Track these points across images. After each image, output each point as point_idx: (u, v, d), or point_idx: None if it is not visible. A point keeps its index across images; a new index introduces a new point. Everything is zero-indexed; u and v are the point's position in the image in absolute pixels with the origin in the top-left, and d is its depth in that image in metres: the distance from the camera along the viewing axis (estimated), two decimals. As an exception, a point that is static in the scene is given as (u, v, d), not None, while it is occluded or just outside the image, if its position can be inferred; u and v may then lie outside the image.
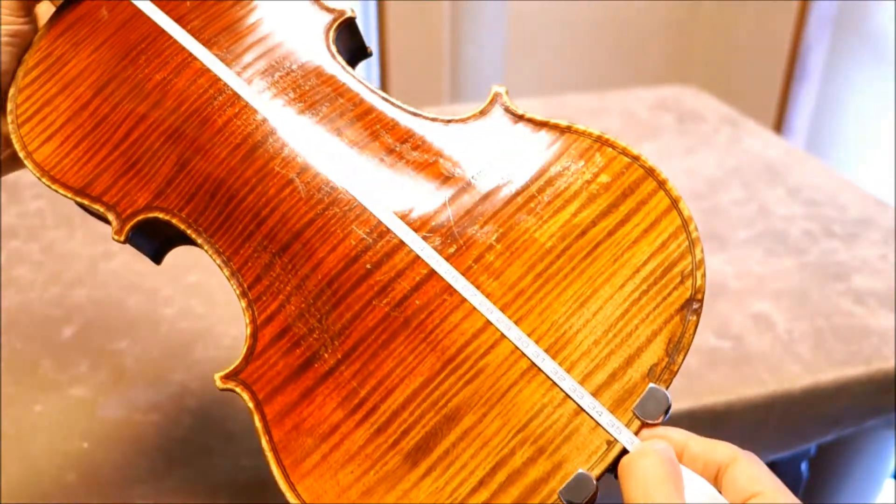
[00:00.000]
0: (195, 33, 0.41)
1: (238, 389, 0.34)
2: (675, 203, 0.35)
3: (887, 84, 1.64)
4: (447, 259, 0.35)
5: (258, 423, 0.34)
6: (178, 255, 0.44)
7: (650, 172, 0.35)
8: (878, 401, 0.66)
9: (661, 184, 0.35)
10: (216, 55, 0.40)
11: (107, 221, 0.39)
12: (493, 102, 0.39)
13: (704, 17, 2.06)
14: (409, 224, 0.36)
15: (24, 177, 0.93)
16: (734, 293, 0.73)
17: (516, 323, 0.33)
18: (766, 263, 0.78)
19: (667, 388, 0.32)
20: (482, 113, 0.39)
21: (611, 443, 0.31)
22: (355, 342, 0.34)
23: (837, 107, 1.81)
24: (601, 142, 0.36)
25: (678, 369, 0.32)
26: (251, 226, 0.37)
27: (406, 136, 0.38)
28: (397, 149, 0.38)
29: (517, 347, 0.33)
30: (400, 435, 0.32)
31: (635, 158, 0.36)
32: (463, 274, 0.34)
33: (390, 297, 0.35)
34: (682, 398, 0.61)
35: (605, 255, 0.34)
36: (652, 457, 0.29)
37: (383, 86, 2.01)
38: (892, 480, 0.89)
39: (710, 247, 0.80)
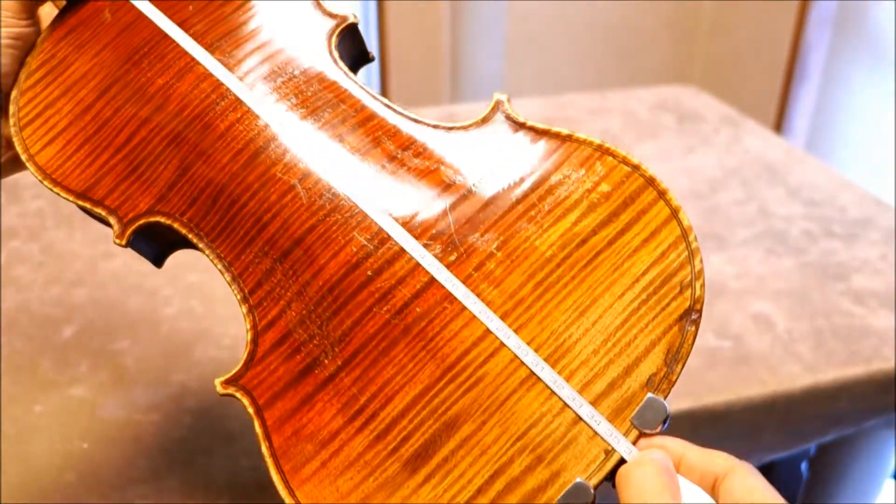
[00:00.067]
0: (198, 37, 0.41)
1: (238, 395, 0.34)
2: (675, 213, 0.35)
3: (887, 84, 1.64)
4: (448, 267, 0.35)
5: (258, 429, 0.34)
6: (178, 256, 0.44)
7: (650, 182, 0.36)
8: (878, 401, 0.66)
9: (662, 193, 0.35)
10: (218, 60, 0.40)
11: (109, 225, 0.39)
12: (494, 110, 0.39)
13: (704, 17, 2.06)
14: (410, 231, 0.36)
15: (24, 177, 0.93)
16: (734, 293, 0.73)
17: (516, 331, 0.33)
18: (766, 263, 0.78)
19: (665, 397, 0.32)
20: (484, 120, 0.39)
21: (609, 452, 0.31)
22: (356, 349, 0.34)
23: (837, 107, 1.81)
24: (602, 150, 0.37)
25: (676, 379, 0.32)
26: (252, 231, 0.37)
27: (408, 143, 0.38)
28: (399, 156, 0.38)
29: (516, 356, 0.33)
30: (399, 442, 0.33)
31: (636, 168, 0.36)
32: (463, 282, 0.34)
33: (391, 305, 0.35)
34: (682, 398, 0.61)
35: (605, 264, 0.34)
36: (649, 466, 0.29)
37: (383, 86, 2.01)
38: (892, 480, 0.89)
39: (710, 247, 0.80)
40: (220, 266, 0.37)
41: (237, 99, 0.39)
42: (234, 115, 0.39)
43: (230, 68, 0.40)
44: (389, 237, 0.36)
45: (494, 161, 0.37)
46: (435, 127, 0.39)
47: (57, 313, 0.70)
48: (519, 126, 0.38)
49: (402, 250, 0.35)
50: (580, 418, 0.32)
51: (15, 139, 0.40)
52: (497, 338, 0.33)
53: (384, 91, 2.01)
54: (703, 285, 0.34)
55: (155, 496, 0.53)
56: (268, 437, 0.33)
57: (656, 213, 0.35)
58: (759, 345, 0.66)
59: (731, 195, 0.91)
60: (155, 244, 0.41)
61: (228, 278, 0.37)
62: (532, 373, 0.32)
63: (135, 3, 0.42)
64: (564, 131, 0.37)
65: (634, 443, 0.31)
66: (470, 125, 0.38)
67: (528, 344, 0.33)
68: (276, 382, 0.34)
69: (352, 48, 0.43)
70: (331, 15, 0.42)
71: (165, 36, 0.41)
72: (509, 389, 0.32)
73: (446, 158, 0.38)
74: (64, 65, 0.42)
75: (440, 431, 0.32)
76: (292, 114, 0.39)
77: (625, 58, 2.09)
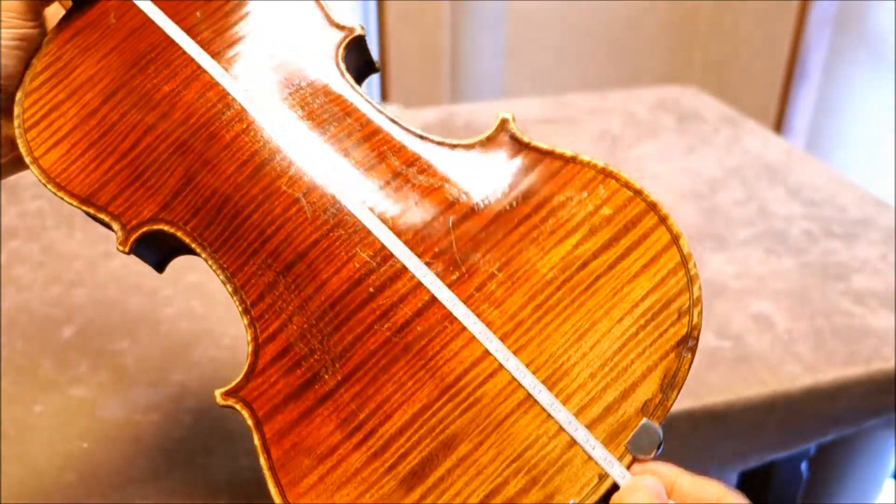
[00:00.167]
0: (204, 45, 0.41)
1: (238, 406, 0.35)
2: (675, 239, 0.35)
3: (887, 84, 1.64)
4: (449, 286, 0.35)
5: (257, 441, 0.34)
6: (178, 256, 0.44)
7: (652, 207, 0.36)
8: (878, 401, 0.66)
9: (663, 219, 0.35)
10: (225, 69, 0.40)
11: (112, 229, 0.39)
12: (499, 129, 0.39)
13: (704, 17, 2.06)
14: (413, 249, 0.36)
15: (24, 177, 0.93)
16: (734, 293, 0.73)
17: (515, 353, 0.34)
18: (766, 263, 0.78)
19: (660, 423, 0.32)
20: (489, 139, 0.38)
21: (602, 476, 0.31)
22: (356, 365, 0.34)
23: (837, 107, 1.81)
24: (605, 174, 0.36)
25: (671, 405, 0.32)
26: (256, 243, 0.37)
27: (412, 160, 0.38)
28: (403, 172, 0.38)
29: (515, 378, 0.33)
30: (397, 459, 0.33)
31: (638, 192, 0.36)
32: (464, 302, 0.35)
33: (392, 322, 0.35)
34: (682, 398, 0.60)
35: (605, 288, 0.34)
36: (641, 492, 0.30)
37: (383, 86, 2.01)
38: (892, 480, 0.89)
39: (710, 247, 0.80)
40: (222, 276, 0.37)
41: (243, 109, 0.39)
42: (240, 126, 0.39)
43: (237, 78, 0.40)
44: (392, 255, 0.36)
45: (498, 180, 0.37)
46: (440, 144, 0.38)
47: (57, 313, 0.70)
48: (523, 146, 0.38)
49: (404, 268, 0.35)
50: (575, 442, 0.32)
51: (19, 141, 0.40)
52: (496, 359, 0.33)
53: (384, 91, 2.01)
54: (700, 313, 0.34)
55: (155, 496, 0.53)
56: (266, 450, 0.34)
57: (657, 238, 0.35)
58: (759, 345, 0.66)
59: (731, 195, 0.91)
60: (157, 251, 0.40)
61: (230, 289, 0.37)
62: (529, 395, 0.33)
63: (142, 7, 0.42)
64: (568, 153, 0.37)
65: (628, 467, 0.31)
66: (474, 143, 0.38)
67: (527, 366, 0.33)
68: (276, 395, 0.35)
69: (358, 59, 0.43)
70: (339, 26, 0.42)
71: (172, 42, 0.41)
72: (506, 411, 0.33)
73: (450, 176, 0.38)
74: (69, 67, 0.41)
75: (437, 450, 0.33)
76: (298, 126, 0.39)
77: (625, 58, 2.09)
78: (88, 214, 0.39)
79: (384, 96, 2.03)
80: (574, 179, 0.37)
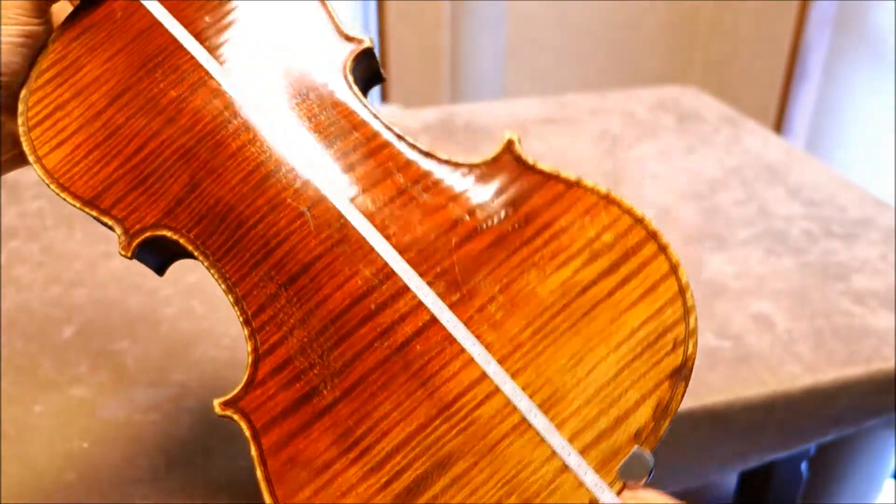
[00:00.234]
0: (212, 51, 0.41)
1: (236, 417, 0.35)
2: (674, 269, 0.35)
3: (887, 84, 1.64)
4: (450, 307, 0.35)
5: (254, 453, 0.34)
6: (178, 255, 0.44)
7: (653, 236, 0.36)
8: (878, 401, 0.66)
9: (663, 248, 0.36)
10: (232, 77, 0.40)
11: (115, 232, 0.39)
12: (504, 150, 0.39)
13: (704, 17, 2.06)
14: (415, 268, 0.36)
15: (25, 177, 0.93)
16: (734, 293, 0.73)
17: (512, 376, 0.34)
18: (766, 263, 0.78)
19: (651, 451, 0.32)
20: (494, 159, 0.38)
21: (593, 501, 0.32)
22: (355, 381, 0.35)
23: (837, 107, 1.81)
24: (608, 199, 0.37)
25: (663, 434, 0.33)
26: (259, 255, 0.37)
27: (418, 177, 0.38)
28: (408, 189, 0.38)
29: (511, 401, 0.33)
30: (392, 476, 0.33)
31: (639, 220, 0.36)
32: (464, 323, 0.35)
33: (392, 341, 0.35)
34: (682, 398, 0.61)
35: (603, 315, 0.35)
36: None
37: (383, 87, 2.01)
38: (892, 480, 0.89)
39: (710, 247, 0.80)
40: (223, 286, 0.37)
41: (249, 119, 0.39)
42: (247, 136, 0.39)
43: (244, 86, 0.40)
44: (394, 273, 0.36)
45: (501, 202, 0.37)
46: (445, 162, 0.38)
47: (57, 313, 0.70)
48: (527, 168, 0.38)
49: (406, 287, 0.36)
50: (568, 467, 0.32)
51: (23, 139, 0.40)
52: (493, 381, 0.34)
53: (384, 91, 2.01)
54: (695, 343, 0.34)
55: (155, 496, 0.53)
56: (263, 462, 0.34)
57: (656, 267, 0.35)
58: (759, 345, 0.66)
59: (731, 195, 0.91)
60: (159, 255, 0.40)
61: (231, 299, 0.37)
62: (525, 419, 0.33)
63: (150, 8, 0.42)
64: (573, 176, 0.37)
65: (619, 493, 0.32)
66: (480, 163, 0.38)
67: (524, 390, 0.33)
68: (274, 408, 0.35)
69: (365, 70, 0.43)
70: (348, 38, 0.42)
71: (180, 46, 0.41)
72: (501, 433, 0.33)
73: (455, 196, 0.38)
74: (75, 67, 0.41)
75: (432, 469, 0.33)
76: (304, 138, 0.39)
77: (625, 58, 2.09)
78: (91, 216, 0.39)
79: (384, 96, 2.03)
80: (577, 204, 0.37)
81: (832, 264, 0.78)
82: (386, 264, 0.36)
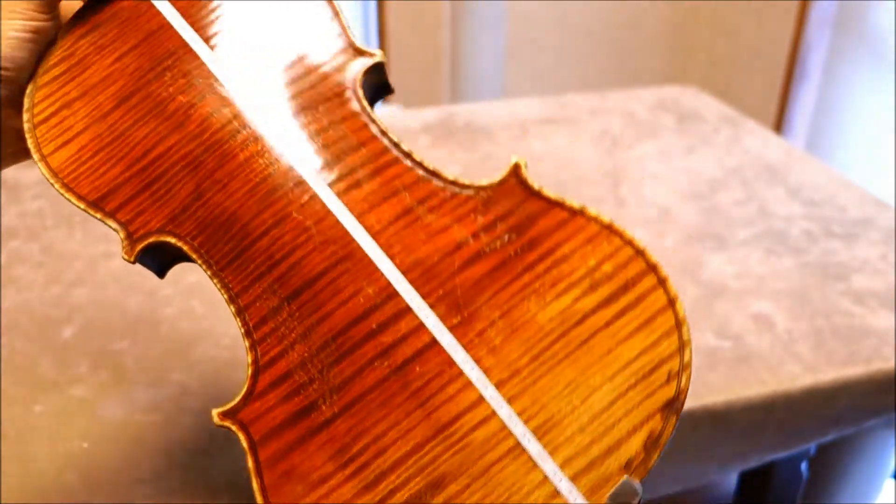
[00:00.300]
0: (223, 58, 0.41)
1: (234, 428, 0.35)
2: (672, 303, 0.35)
3: (887, 84, 1.64)
4: (450, 329, 0.35)
5: (251, 464, 0.34)
6: (178, 255, 0.44)
7: (653, 268, 0.36)
8: (878, 401, 0.66)
9: (662, 281, 0.36)
10: (242, 86, 0.40)
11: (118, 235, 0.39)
12: (511, 174, 0.39)
13: (704, 17, 2.06)
14: (418, 289, 0.36)
15: (25, 177, 0.93)
16: (734, 293, 0.73)
17: (508, 401, 0.34)
18: (766, 263, 0.78)
19: (640, 481, 0.33)
20: (500, 183, 0.38)
21: None
22: (353, 398, 0.35)
23: (837, 107, 1.81)
24: (610, 230, 0.37)
25: (653, 465, 0.33)
26: (263, 267, 0.37)
27: (423, 197, 0.38)
28: (414, 209, 0.38)
29: (506, 425, 0.34)
30: (386, 494, 0.33)
31: (640, 252, 0.36)
32: (464, 346, 0.35)
33: (392, 360, 0.35)
34: (682, 398, 0.61)
35: (600, 345, 0.35)
36: None
37: (383, 86, 2.00)
38: (892, 480, 0.89)
39: (710, 247, 0.80)
40: (225, 296, 0.37)
41: (258, 130, 0.39)
42: (255, 147, 0.39)
43: (254, 97, 0.40)
44: (397, 293, 0.36)
45: (505, 227, 0.37)
46: (451, 182, 0.38)
47: (57, 313, 0.70)
48: (532, 193, 0.38)
49: (408, 308, 0.36)
50: (558, 492, 0.33)
51: (28, 136, 0.40)
52: (490, 406, 0.34)
53: (384, 91, 2.00)
54: (689, 377, 0.34)
55: (155, 496, 0.53)
56: (259, 474, 0.34)
57: (654, 300, 0.35)
58: (759, 345, 0.66)
59: (731, 195, 0.91)
60: (162, 260, 0.40)
61: (234, 310, 0.37)
62: (519, 443, 0.34)
63: (160, 8, 0.41)
64: (577, 205, 0.37)
65: None
66: (486, 185, 0.38)
67: (519, 415, 0.34)
68: (272, 420, 0.35)
69: (375, 82, 0.43)
70: (360, 52, 0.41)
71: (190, 50, 0.41)
72: (496, 456, 0.33)
73: (459, 218, 0.38)
74: (83, 65, 0.41)
75: (426, 489, 0.33)
76: (312, 153, 0.39)
77: (625, 58, 2.09)
78: (95, 218, 0.39)
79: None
80: (579, 232, 0.37)
81: (832, 264, 0.78)
82: (389, 284, 0.36)
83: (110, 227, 0.38)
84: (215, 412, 0.35)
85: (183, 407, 0.60)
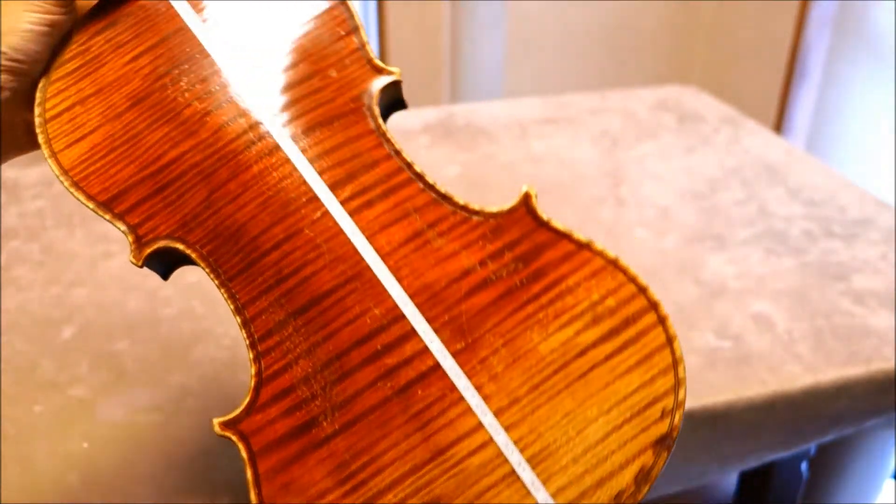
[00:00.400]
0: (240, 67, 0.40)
1: (235, 438, 0.35)
2: (670, 341, 0.36)
3: (887, 84, 1.64)
4: (454, 355, 0.36)
5: (249, 476, 0.35)
6: (178, 256, 0.44)
7: (654, 306, 0.37)
8: (878, 401, 0.66)
9: (662, 320, 0.36)
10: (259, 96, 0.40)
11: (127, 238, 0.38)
12: (521, 203, 0.39)
13: (704, 17, 2.06)
14: (424, 313, 0.36)
15: (25, 177, 0.93)
16: (734, 293, 0.73)
17: (506, 429, 0.35)
18: (766, 263, 0.78)
19: None
20: (509, 212, 0.39)
21: None
22: (355, 417, 0.35)
23: (837, 107, 1.81)
24: (615, 265, 0.37)
25: (642, 498, 0.34)
26: (271, 280, 0.37)
27: (434, 221, 0.38)
28: (424, 232, 0.38)
29: (503, 453, 0.34)
30: None
31: (643, 289, 0.37)
32: (466, 373, 0.35)
33: (394, 382, 0.35)
34: (682, 398, 0.61)
35: (599, 378, 0.35)
36: None
37: (383, 86, 2.00)
38: (892, 480, 0.89)
39: (710, 247, 0.80)
40: (231, 306, 0.37)
41: (275, 144, 0.39)
42: (269, 161, 0.38)
43: (271, 109, 0.39)
44: (403, 316, 0.36)
45: (512, 255, 0.38)
46: (462, 207, 0.39)
47: (57, 313, 0.70)
48: (541, 224, 0.38)
49: (414, 331, 0.36)
50: None
51: (38, 130, 0.39)
52: (488, 432, 0.35)
53: (384, 91, 2.01)
54: (682, 415, 0.35)
55: (156, 496, 0.53)
56: (258, 486, 0.34)
57: (653, 337, 0.36)
58: (759, 345, 0.66)
59: (731, 195, 0.91)
60: (168, 263, 0.40)
61: (239, 321, 0.37)
62: (514, 471, 0.34)
63: (179, 10, 0.41)
64: (583, 238, 0.38)
65: None
66: (495, 212, 0.39)
67: (515, 443, 0.34)
68: (273, 433, 0.35)
69: (390, 98, 0.43)
70: (379, 70, 0.41)
71: (208, 56, 0.40)
72: (490, 482, 0.34)
73: (468, 244, 0.38)
74: (98, 62, 0.40)
75: None
76: (326, 169, 0.39)
77: (625, 58, 2.09)
78: (104, 219, 0.39)
79: (384, 96, 2.03)
80: (585, 266, 0.37)
81: (832, 264, 0.78)
82: (396, 306, 0.36)
83: (119, 229, 0.38)
84: (216, 422, 0.35)
85: (183, 407, 0.60)
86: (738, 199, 0.90)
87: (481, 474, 0.34)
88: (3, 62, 0.38)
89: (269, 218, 0.38)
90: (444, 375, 0.35)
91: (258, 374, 0.36)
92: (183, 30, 0.41)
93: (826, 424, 0.67)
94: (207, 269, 0.37)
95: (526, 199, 0.39)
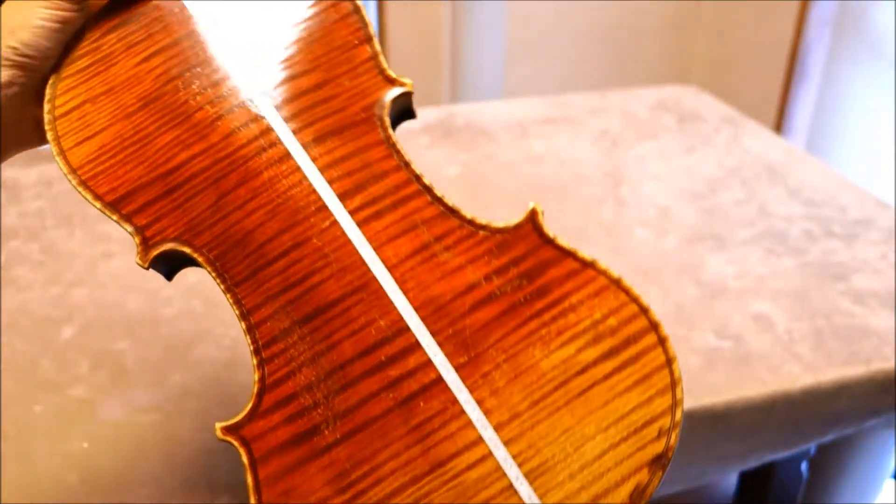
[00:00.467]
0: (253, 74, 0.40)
1: (236, 444, 0.35)
2: (669, 362, 0.36)
3: (887, 84, 1.64)
4: (456, 369, 0.36)
5: (250, 481, 0.34)
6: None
7: (655, 327, 0.37)
8: (878, 401, 0.66)
9: (662, 340, 0.37)
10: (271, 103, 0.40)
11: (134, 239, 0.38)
12: (528, 219, 0.39)
13: (704, 17, 2.06)
14: (428, 326, 0.37)
15: (25, 177, 0.93)
16: (734, 293, 0.73)
17: (505, 444, 0.35)
18: (766, 263, 0.78)
19: None
20: (516, 228, 0.39)
21: None
22: (356, 426, 0.35)
23: (837, 107, 1.81)
24: (618, 285, 0.37)
25: None
26: (277, 287, 0.37)
27: (441, 234, 0.38)
28: (431, 245, 0.38)
29: (501, 467, 0.35)
30: None
31: (645, 310, 0.37)
32: (468, 387, 0.36)
33: (397, 393, 0.36)
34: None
35: (598, 396, 0.36)
36: None
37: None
38: (892, 480, 0.89)
39: (710, 247, 0.80)
40: (237, 311, 0.37)
41: (286, 152, 0.39)
42: (279, 168, 0.38)
43: (283, 116, 0.39)
44: (408, 328, 0.36)
45: (517, 271, 0.38)
46: (469, 221, 0.39)
47: (57, 313, 0.70)
48: (547, 241, 0.38)
49: (418, 344, 0.36)
50: None
51: (48, 128, 0.39)
52: (488, 447, 0.35)
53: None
54: (678, 435, 0.35)
55: (156, 496, 0.53)
56: (258, 491, 0.34)
57: (653, 358, 0.36)
58: (759, 345, 0.66)
59: (731, 195, 0.91)
60: (172, 264, 0.40)
61: (244, 326, 0.37)
62: (511, 485, 0.34)
63: (192, 12, 0.41)
64: (588, 257, 0.38)
65: None
66: (502, 228, 0.39)
67: (514, 458, 0.35)
68: (275, 440, 0.35)
69: (400, 108, 0.43)
70: (391, 80, 0.41)
71: (221, 60, 0.40)
72: (488, 495, 0.34)
73: (474, 258, 0.38)
74: (109, 61, 0.40)
75: None
76: (335, 179, 0.39)
77: (625, 58, 2.09)
78: (112, 220, 0.39)
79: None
80: (588, 285, 0.37)
81: (832, 264, 0.78)
82: (401, 318, 0.37)
83: (126, 230, 0.38)
84: (218, 426, 0.35)
85: (183, 407, 0.60)
86: (738, 199, 0.90)
87: (479, 487, 0.34)
88: (14, 57, 0.38)
89: (278, 225, 0.38)
90: (447, 388, 0.36)
91: (261, 380, 0.36)
92: (196, 32, 0.41)
93: (826, 424, 0.67)
94: (213, 274, 0.37)
95: (532, 216, 0.39)
